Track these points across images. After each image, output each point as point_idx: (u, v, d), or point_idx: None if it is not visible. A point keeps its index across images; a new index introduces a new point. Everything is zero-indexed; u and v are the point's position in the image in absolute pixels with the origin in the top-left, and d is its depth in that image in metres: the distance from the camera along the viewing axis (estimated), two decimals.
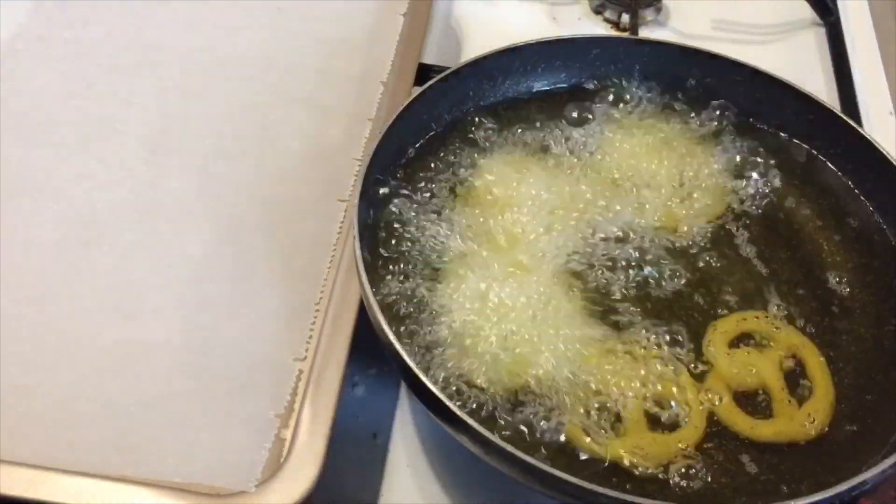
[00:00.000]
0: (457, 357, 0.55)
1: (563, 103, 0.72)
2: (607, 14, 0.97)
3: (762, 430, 0.54)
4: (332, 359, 0.57)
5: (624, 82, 0.73)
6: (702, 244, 0.64)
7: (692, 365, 0.57)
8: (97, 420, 0.56)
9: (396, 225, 0.62)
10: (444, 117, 0.69)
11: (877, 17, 0.97)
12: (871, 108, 0.86)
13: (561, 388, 0.55)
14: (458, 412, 0.49)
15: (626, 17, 0.95)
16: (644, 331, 0.58)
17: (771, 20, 0.98)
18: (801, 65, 0.93)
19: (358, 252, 0.55)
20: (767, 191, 0.68)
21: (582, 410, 0.54)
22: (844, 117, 0.68)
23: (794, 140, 0.71)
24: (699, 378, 0.56)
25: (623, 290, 0.60)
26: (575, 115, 0.71)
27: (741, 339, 0.58)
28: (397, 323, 0.57)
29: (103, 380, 0.58)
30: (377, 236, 0.61)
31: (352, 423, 0.63)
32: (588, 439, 0.53)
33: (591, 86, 0.73)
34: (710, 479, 0.52)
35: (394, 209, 0.63)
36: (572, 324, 0.58)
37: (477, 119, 0.70)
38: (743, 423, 0.55)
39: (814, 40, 0.96)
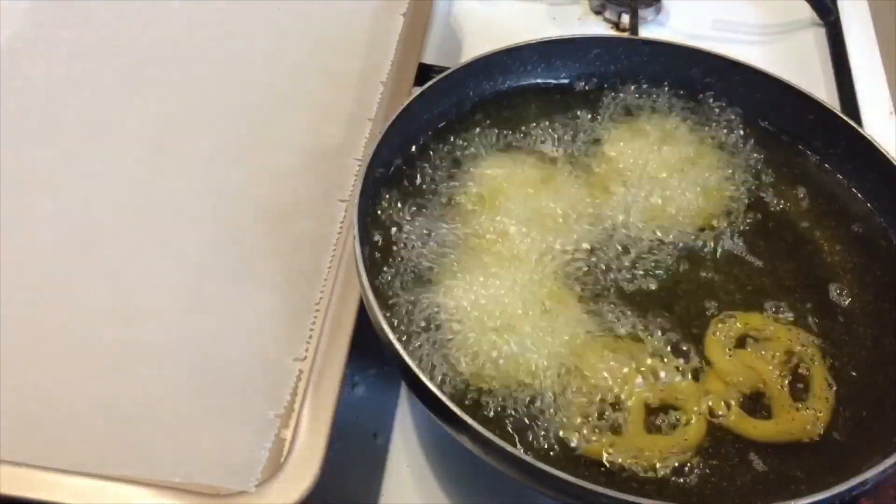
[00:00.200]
0: (457, 357, 0.55)
1: (562, 104, 0.72)
2: (607, 14, 0.97)
3: (762, 430, 0.54)
4: (332, 359, 0.57)
5: (623, 82, 0.73)
6: (701, 244, 0.64)
7: (692, 365, 0.57)
8: (97, 420, 0.56)
9: (397, 225, 0.62)
10: (443, 117, 0.69)
11: (877, 17, 0.97)
12: (871, 108, 0.86)
13: (561, 387, 0.55)
14: (458, 412, 0.49)
15: (626, 17, 0.95)
16: (644, 331, 0.58)
17: (771, 20, 0.98)
18: (801, 65, 0.93)
19: (358, 252, 0.55)
20: (767, 191, 0.67)
21: (582, 411, 0.54)
22: (844, 117, 0.68)
23: (794, 140, 0.71)
24: (699, 378, 0.56)
25: (623, 290, 0.60)
26: (574, 115, 0.71)
27: (741, 340, 0.58)
28: (397, 323, 0.57)
29: (103, 380, 0.58)
30: (377, 236, 0.61)
31: (352, 423, 0.63)
32: (588, 439, 0.53)
33: (590, 86, 0.73)
34: (709, 479, 0.53)
35: (394, 209, 0.63)
36: (572, 324, 0.58)
37: (477, 119, 0.70)
38: (743, 424, 0.55)
39: (814, 40, 0.96)
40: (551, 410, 0.54)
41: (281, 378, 0.58)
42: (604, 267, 0.61)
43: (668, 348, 0.57)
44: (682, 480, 0.52)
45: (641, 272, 0.61)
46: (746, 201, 0.67)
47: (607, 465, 0.52)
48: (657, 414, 0.55)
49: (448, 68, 0.68)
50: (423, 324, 0.57)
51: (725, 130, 0.71)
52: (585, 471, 0.52)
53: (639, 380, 0.56)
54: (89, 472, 0.52)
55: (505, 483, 0.57)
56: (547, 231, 0.63)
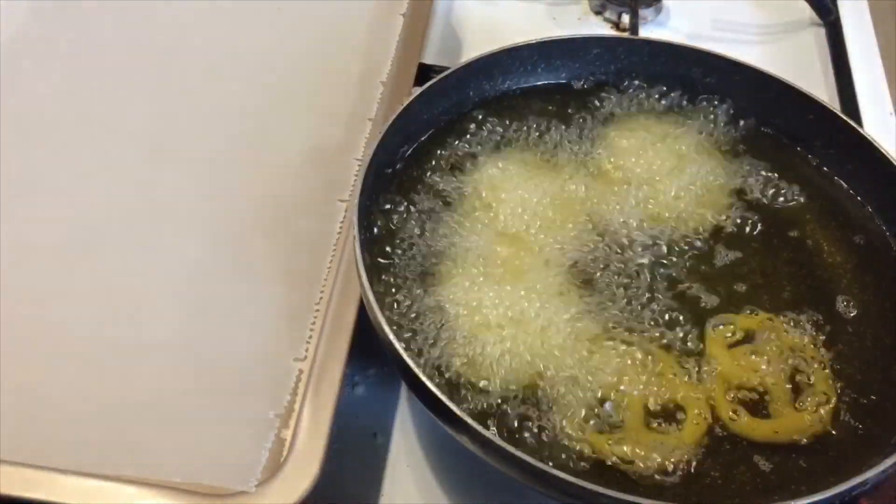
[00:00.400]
0: (457, 357, 0.55)
1: (562, 103, 0.72)
2: (607, 14, 0.97)
3: (763, 430, 0.54)
4: (332, 359, 0.57)
5: (624, 82, 0.73)
6: (701, 244, 0.64)
7: (693, 365, 0.57)
8: (97, 420, 0.56)
9: (397, 225, 0.62)
10: (444, 117, 0.69)
11: (877, 17, 0.97)
12: (871, 108, 0.86)
13: (561, 387, 0.55)
14: (459, 412, 0.49)
15: (626, 17, 0.95)
16: (644, 331, 0.58)
17: (771, 20, 0.98)
18: (801, 65, 0.93)
19: (358, 252, 0.55)
20: (766, 191, 0.67)
21: (582, 410, 0.54)
22: (844, 117, 0.68)
23: (794, 140, 0.71)
24: (700, 378, 0.56)
25: (623, 289, 0.60)
26: (575, 115, 0.71)
27: (742, 340, 0.58)
28: (397, 323, 0.57)
29: (103, 380, 0.58)
30: (377, 236, 0.61)
31: (352, 423, 0.63)
32: (588, 439, 0.53)
33: (590, 86, 0.73)
34: (709, 479, 0.52)
35: (394, 209, 0.63)
36: (572, 324, 0.58)
37: (477, 119, 0.70)
38: (743, 424, 0.55)
39: (814, 40, 0.96)
40: (551, 410, 0.54)
41: (281, 378, 0.58)
42: (604, 266, 0.61)
43: (669, 348, 0.58)
44: (682, 480, 0.52)
45: (641, 272, 0.61)
46: (746, 201, 0.67)
47: (607, 465, 0.52)
48: (657, 414, 0.55)
49: (448, 68, 0.68)
50: (423, 324, 0.57)
51: (725, 130, 0.71)
52: (585, 471, 0.52)
53: (639, 380, 0.55)
54: (89, 472, 0.52)
55: (505, 483, 0.57)
56: (547, 231, 0.63)
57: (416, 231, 0.62)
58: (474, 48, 0.87)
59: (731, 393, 0.56)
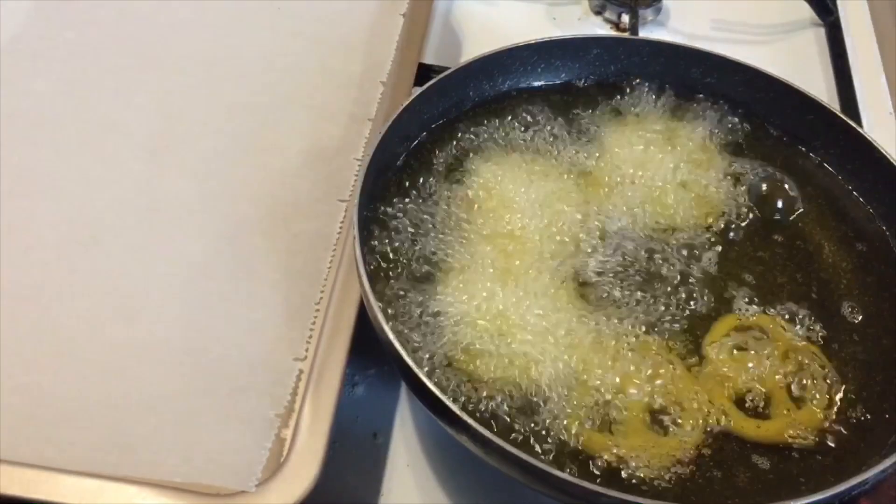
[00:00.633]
0: (457, 356, 0.55)
1: (562, 103, 0.72)
2: (607, 14, 0.97)
3: (762, 430, 0.54)
4: (332, 359, 0.57)
5: (623, 82, 0.73)
6: (700, 245, 0.64)
7: (692, 366, 0.57)
8: (97, 420, 0.56)
9: (397, 225, 0.62)
10: (443, 117, 0.70)
11: (876, 17, 0.97)
12: (871, 108, 0.86)
13: (561, 388, 0.55)
14: (458, 412, 0.49)
15: (626, 17, 0.95)
16: (644, 331, 0.58)
17: (771, 20, 0.98)
18: (801, 65, 0.93)
19: (358, 252, 0.55)
20: (766, 191, 0.67)
21: (582, 411, 0.54)
22: (844, 117, 0.68)
23: (794, 140, 0.71)
24: (699, 379, 0.56)
25: (623, 289, 0.60)
26: (574, 115, 0.71)
27: (742, 340, 0.58)
28: (397, 323, 0.57)
29: (103, 380, 0.58)
30: (377, 236, 0.61)
31: (352, 423, 0.63)
32: (588, 439, 0.53)
33: (590, 86, 0.73)
34: (709, 479, 0.53)
35: (394, 209, 0.63)
36: (571, 324, 0.58)
37: (477, 119, 0.70)
38: (743, 424, 0.55)
39: (813, 40, 0.96)
40: (552, 410, 0.54)
41: (281, 378, 0.58)
42: (603, 267, 0.61)
43: (669, 348, 0.58)
44: (681, 480, 0.52)
45: (641, 272, 0.61)
46: (745, 202, 0.67)
47: (608, 465, 0.52)
48: (657, 414, 0.55)
49: (448, 68, 0.68)
50: (423, 323, 0.57)
51: (725, 131, 0.71)
52: (586, 471, 0.52)
53: (639, 380, 0.56)
54: (89, 472, 0.52)
55: (505, 483, 0.57)
56: (547, 231, 0.63)
57: (417, 231, 0.62)
58: (474, 48, 0.87)
59: (731, 393, 0.56)
